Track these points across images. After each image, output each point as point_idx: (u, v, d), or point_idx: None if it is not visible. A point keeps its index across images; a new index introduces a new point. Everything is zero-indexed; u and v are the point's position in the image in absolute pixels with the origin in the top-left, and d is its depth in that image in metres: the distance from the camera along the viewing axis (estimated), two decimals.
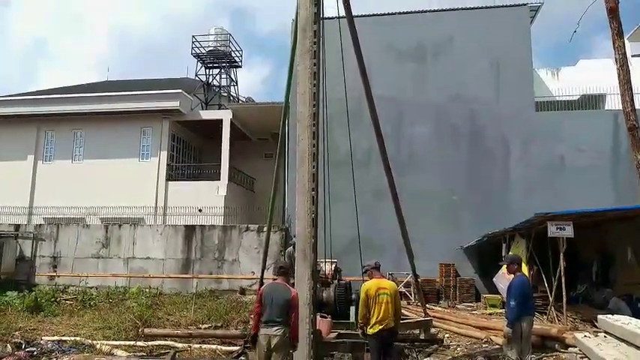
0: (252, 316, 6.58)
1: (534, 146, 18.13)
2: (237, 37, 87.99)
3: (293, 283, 6.15)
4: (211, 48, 25.93)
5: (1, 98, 24.59)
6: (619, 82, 5.08)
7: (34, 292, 15.97)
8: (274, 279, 5.98)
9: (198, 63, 26.40)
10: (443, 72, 19.03)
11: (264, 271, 11.26)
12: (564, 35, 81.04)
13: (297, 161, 5.31)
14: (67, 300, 15.89)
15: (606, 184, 16.98)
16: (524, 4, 19.15)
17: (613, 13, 5.13)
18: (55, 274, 19.91)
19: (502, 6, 19.27)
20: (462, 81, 18.74)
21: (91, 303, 15.17)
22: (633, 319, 8.11)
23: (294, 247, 10.24)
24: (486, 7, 19.45)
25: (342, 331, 8.93)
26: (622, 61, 5.06)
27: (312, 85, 5.28)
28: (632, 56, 18.87)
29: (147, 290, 17.33)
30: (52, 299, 15.36)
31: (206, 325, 11.62)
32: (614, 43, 5.14)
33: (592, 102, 19.66)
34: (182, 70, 68.98)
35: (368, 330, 6.27)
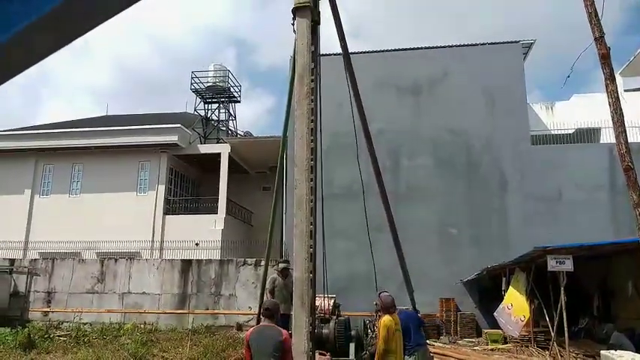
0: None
1: (531, 179, 18.20)
2: (240, 67, 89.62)
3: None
4: (210, 84, 26.31)
5: (0, 133, 24.74)
6: (613, 125, 5.17)
7: (27, 329, 15.67)
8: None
9: (197, 98, 26.75)
10: (439, 106, 19.26)
11: (261, 306, 11.08)
12: (558, 70, 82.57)
13: (295, 202, 5.29)
14: (61, 336, 15.56)
15: (605, 217, 16.98)
16: (517, 42, 19.57)
17: (605, 59, 5.24)
18: (49, 309, 19.57)
19: (495, 43, 19.70)
20: (458, 115, 18.95)
21: (85, 339, 14.86)
22: (637, 355, 7.99)
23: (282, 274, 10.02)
24: (480, 44, 19.89)
25: None
26: (615, 105, 5.16)
27: (310, 128, 5.30)
28: (625, 91, 19.18)
29: (142, 326, 17.01)
30: (45, 336, 15.03)
31: None
32: (606, 88, 5.24)
33: (587, 136, 19.88)
34: (183, 103, 69.80)
35: None
